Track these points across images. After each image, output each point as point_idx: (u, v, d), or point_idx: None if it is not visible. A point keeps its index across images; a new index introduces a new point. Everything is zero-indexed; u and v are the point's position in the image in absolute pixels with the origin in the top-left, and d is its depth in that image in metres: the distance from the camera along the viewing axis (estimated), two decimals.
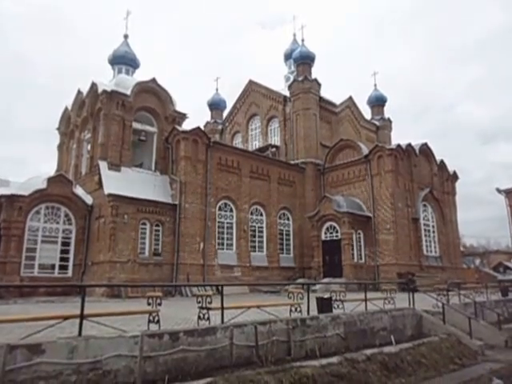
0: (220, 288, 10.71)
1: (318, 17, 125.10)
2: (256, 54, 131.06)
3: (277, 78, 47.77)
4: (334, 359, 10.32)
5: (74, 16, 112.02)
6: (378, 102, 49.11)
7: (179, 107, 32.22)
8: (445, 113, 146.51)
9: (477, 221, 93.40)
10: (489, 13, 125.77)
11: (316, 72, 63.71)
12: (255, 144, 42.62)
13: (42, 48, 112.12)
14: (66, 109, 33.43)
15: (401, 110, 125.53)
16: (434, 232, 35.29)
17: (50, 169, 33.36)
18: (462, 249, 42.99)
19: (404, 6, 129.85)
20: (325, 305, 12.83)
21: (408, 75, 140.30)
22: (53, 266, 25.98)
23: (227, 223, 30.87)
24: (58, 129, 34.36)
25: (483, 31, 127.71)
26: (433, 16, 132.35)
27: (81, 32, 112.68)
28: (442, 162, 37.57)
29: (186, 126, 31.54)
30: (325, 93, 41.73)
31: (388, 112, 49.31)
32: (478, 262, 56.61)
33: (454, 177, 39.36)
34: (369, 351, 11.28)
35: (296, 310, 11.91)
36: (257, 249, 32.22)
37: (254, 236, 32.38)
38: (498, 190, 42.06)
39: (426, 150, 36.32)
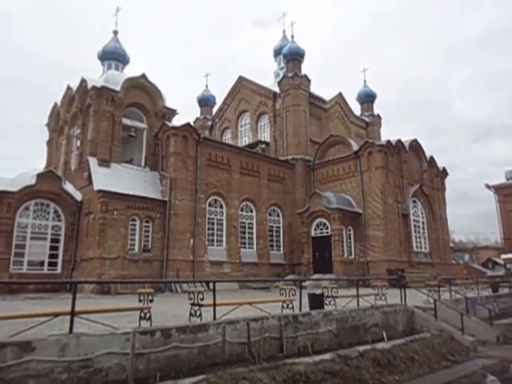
0: (212, 284, 10.62)
1: (311, 15, 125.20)
2: (250, 52, 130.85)
3: (269, 75, 47.94)
4: (327, 356, 10.30)
5: (64, 13, 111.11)
6: (367, 98, 49.35)
7: (169, 103, 32.15)
8: (439, 110, 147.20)
9: (469, 217, 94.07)
10: (481, 13, 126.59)
11: (310, 70, 63.59)
12: (245, 140, 42.52)
13: (38, 45, 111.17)
14: (56, 105, 33.12)
15: (394, 107, 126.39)
16: (423, 228, 35.41)
17: (40, 165, 33.04)
18: (451, 245, 43.17)
19: (398, 5, 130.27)
20: (317, 301, 12.80)
21: (402, 73, 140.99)
22: (42, 263, 25.76)
23: (217, 219, 30.79)
24: (48, 125, 34.00)
25: (477, 29, 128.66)
26: (427, 14, 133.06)
27: (74, 29, 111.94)
28: (431, 158, 37.67)
29: (176, 122, 31.45)
30: (317, 90, 41.97)
31: (382, 109, 49.74)
32: (467, 257, 56.85)
33: (444, 173, 39.47)
34: (361, 348, 11.28)
35: (288, 306, 11.87)
36: (247, 245, 32.20)
37: (244, 232, 32.34)
38: (487, 186, 42.33)
39: (415, 146, 36.40)
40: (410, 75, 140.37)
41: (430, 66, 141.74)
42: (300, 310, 12.00)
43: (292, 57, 40.60)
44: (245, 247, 31.89)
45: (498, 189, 49.10)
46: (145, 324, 9.11)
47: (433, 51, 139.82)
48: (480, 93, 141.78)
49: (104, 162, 27.52)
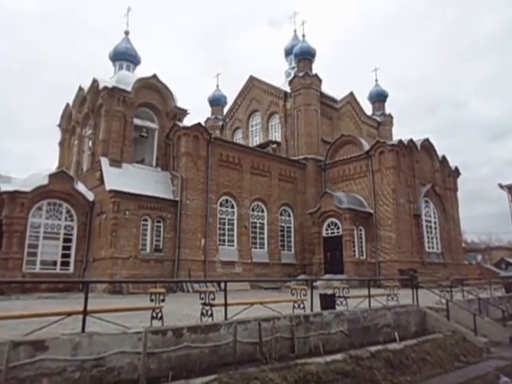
0: (224, 284, 10.63)
1: (323, 15, 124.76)
2: (261, 51, 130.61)
3: (280, 74, 47.94)
4: (339, 356, 10.27)
5: (82, 16, 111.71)
6: (378, 98, 49.06)
7: (180, 103, 32.22)
8: (453, 110, 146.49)
9: (482, 217, 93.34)
10: (496, 11, 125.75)
11: (321, 69, 63.46)
12: (256, 140, 42.49)
13: (42, 45, 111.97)
14: (68, 105, 33.32)
15: (407, 106, 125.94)
16: (435, 228, 35.13)
17: (53, 165, 33.28)
18: (463, 245, 42.86)
19: (414, 4, 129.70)
20: (328, 301, 12.76)
21: (414, 72, 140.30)
22: (54, 263, 25.92)
23: (228, 219, 30.80)
24: (60, 125, 34.23)
25: (491, 28, 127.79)
26: (440, 13, 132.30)
27: (90, 30, 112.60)
28: (443, 157, 37.37)
29: (187, 122, 31.50)
30: (328, 89, 41.79)
31: (394, 109, 49.24)
32: (479, 258, 56.48)
33: (456, 172, 39.13)
34: (373, 348, 11.22)
35: (299, 306, 11.86)
36: (258, 245, 32.14)
37: (255, 232, 32.29)
38: (501, 186, 41.81)
39: (427, 145, 36.14)
40: (422, 75, 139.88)
41: (443, 65, 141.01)
42: (311, 310, 11.99)
43: (303, 56, 40.46)
44: (256, 247, 31.84)
45: (511, 188, 48.60)
46: (156, 323, 9.13)
47: (447, 50, 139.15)
48: (494, 92, 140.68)
49: (115, 162, 27.65)
